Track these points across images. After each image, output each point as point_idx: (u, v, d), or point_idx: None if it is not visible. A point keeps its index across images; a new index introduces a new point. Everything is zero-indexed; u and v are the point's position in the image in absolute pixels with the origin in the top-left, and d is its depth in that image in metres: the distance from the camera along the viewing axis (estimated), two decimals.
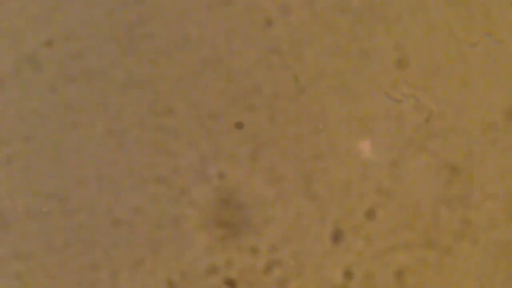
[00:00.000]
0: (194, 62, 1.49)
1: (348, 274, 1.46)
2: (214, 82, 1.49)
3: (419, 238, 1.47)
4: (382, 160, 1.48)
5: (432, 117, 1.49)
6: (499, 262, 1.47)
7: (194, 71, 1.49)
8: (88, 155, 1.47)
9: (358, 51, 1.50)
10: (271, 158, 1.48)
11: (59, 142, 1.47)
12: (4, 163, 1.47)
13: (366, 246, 1.47)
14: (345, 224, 1.47)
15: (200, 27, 1.50)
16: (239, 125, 1.48)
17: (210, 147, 1.48)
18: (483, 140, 1.48)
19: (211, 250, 1.46)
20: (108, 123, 1.48)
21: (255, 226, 1.47)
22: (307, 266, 1.47)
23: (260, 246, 1.47)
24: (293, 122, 1.48)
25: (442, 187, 1.48)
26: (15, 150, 1.47)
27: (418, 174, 1.48)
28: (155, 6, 1.50)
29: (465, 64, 1.50)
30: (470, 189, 1.48)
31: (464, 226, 1.47)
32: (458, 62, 1.50)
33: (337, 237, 1.45)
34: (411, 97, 1.49)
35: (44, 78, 1.48)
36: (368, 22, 1.50)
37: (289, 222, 1.47)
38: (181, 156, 1.48)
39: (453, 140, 1.48)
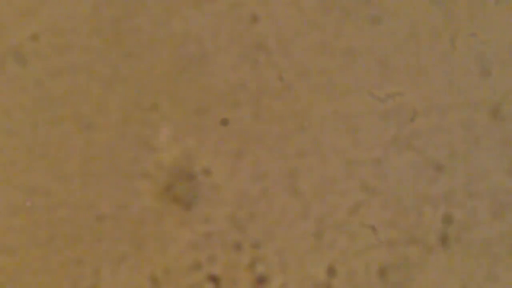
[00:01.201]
0: (179, 58, 1.49)
1: (331, 271, 1.46)
2: (199, 78, 1.48)
3: (403, 236, 1.47)
4: (367, 158, 1.48)
5: (416, 115, 1.49)
6: (482, 260, 1.47)
7: (179, 67, 1.49)
8: (72, 150, 1.47)
9: (344, 50, 1.50)
10: (255, 154, 1.48)
11: (43, 136, 1.47)
12: None
13: (349, 244, 1.47)
14: (328, 221, 1.47)
15: (186, 23, 1.50)
16: (224, 122, 1.48)
17: (195, 143, 1.48)
18: (467, 139, 1.49)
19: (195, 246, 1.46)
20: (92, 118, 1.47)
21: (239, 223, 1.47)
22: (291, 263, 1.46)
23: (244, 242, 1.46)
24: (278, 119, 1.48)
25: (426, 185, 1.48)
26: None
27: (402, 172, 1.48)
28: (141, 1, 1.50)
29: (450, 64, 1.51)
30: (454, 187, 1.48)
31: (447, 224, 1.47)
32: (442, 61, 1.51)
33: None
34: (396, 95, 1.49)
35: (29, 72, 1.48)
36: (353, 21, 1.51)
37: (273, 219, 1.47)
38: (165, 152, 1.47)
39: (437, 139, 1.49)
